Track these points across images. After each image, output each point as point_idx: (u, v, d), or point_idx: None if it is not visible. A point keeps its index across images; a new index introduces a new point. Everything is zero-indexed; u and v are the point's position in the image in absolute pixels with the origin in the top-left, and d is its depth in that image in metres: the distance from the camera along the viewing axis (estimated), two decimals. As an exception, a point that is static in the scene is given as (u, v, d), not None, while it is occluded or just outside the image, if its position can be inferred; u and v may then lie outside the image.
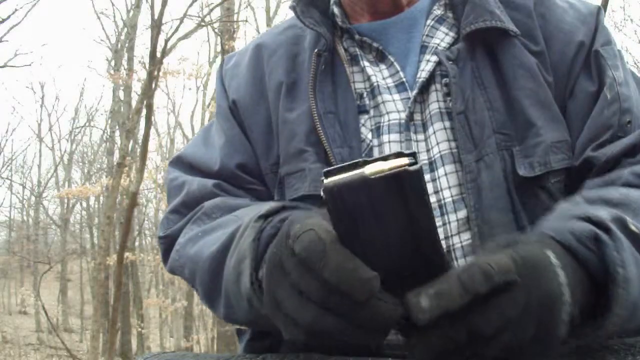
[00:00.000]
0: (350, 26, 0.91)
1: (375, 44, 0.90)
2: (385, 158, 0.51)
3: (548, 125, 0.83)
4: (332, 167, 0.52)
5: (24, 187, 21.86)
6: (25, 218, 22.65)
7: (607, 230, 0.62)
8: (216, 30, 9.31)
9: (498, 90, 0.84)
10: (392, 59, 0.89)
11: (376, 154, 0.84)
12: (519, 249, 0.57)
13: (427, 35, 0.89)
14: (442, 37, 0.89)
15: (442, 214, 0.82)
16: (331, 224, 0.54)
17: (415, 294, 0.53)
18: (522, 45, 0.86)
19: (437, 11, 0.92)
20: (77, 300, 19.42)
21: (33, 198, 21.76)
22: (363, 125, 0.87)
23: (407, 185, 0.50)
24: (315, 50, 0.89)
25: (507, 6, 0.89)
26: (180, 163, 0.99)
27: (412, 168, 0.49)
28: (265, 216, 0.71)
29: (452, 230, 0.81)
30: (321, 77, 0.88)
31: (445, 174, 0.82)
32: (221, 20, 8.20)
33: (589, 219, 0.64)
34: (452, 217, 0.81)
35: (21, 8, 17.28)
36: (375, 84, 0.87)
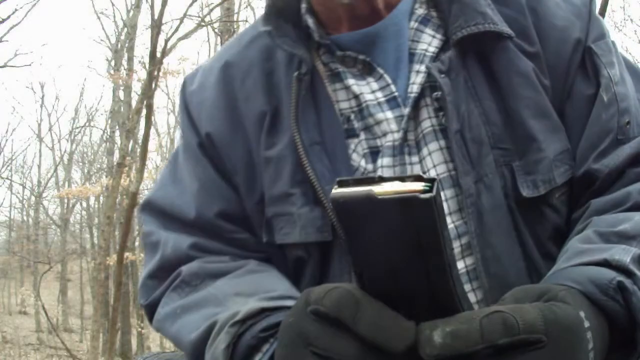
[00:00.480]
0: (329, 40, 0.81)
1: (361, 57, 0.79)
2: (403, 179, 0.49)
3: (549, 138, 0.77)
4: (347, 178, 0.51)
5: (24, 187, 21.88)
6: (25, 218, 22.69)
7: (629, 274, 0.61)
8: (216, 30, 9.30)
9: (493, 101, 0.78)
10: (381, 70, 0.79)
11: None
12: (553, 307, 0.54)
13: (412, 40, 0.80)
14: (429, 41, 0.80)
15: None
16: (341, 231, 0.53)
17: (430, 327, 0.52)
18: (517, 47, 0.78)
19: (419, 10, 0.82)
20: (77, 300, 19.39)
21: (33, 198, 21.75)
22: (354, 151, 0.79)
23: (417, 213, 0.48)
24: (295, 74, 0.79)
25: (495, 1, 0.80)
26: (152, 210, 0.90)
27: (423, 196, 0.47)
28: (242, 321, 0.68)
29: (456, 255, 0.76)
30: (303, 103, 0.79)
31: (446, 200, 0.76)
32: (221, 20, 8.18)
33: (608, 264, 0.62)
34: (456, 243, 0.76)
35: (21, 8, 17.30)
36: (364, 104, 0.79)
